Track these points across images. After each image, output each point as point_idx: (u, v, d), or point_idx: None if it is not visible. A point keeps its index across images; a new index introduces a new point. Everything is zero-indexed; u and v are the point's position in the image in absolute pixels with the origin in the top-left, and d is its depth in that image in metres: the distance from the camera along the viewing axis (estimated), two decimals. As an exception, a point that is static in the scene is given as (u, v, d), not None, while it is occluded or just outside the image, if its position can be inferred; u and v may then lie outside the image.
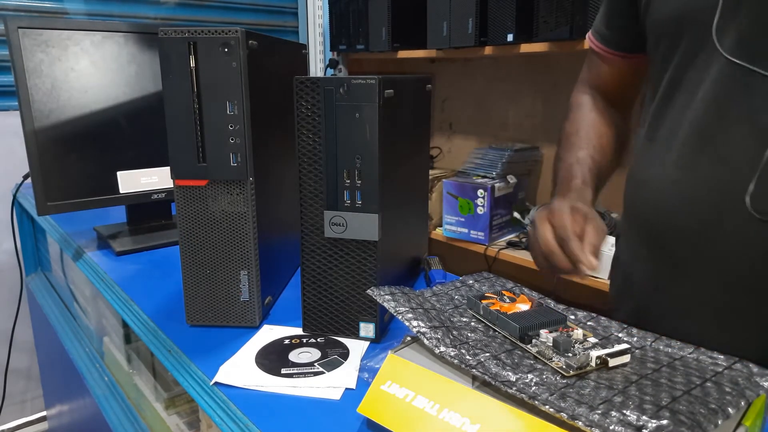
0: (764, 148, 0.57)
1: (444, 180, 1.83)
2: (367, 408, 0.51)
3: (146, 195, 1.08)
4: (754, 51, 0.58)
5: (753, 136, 0.58)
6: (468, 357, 0.51)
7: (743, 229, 0.60)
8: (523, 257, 1.62)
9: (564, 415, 0.42)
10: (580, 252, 0.61)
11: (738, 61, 0.58)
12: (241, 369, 0.63)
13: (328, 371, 0.63)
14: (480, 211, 1.70)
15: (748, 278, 0.62)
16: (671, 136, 0.66)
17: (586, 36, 0.83)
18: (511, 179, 1.75)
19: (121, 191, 1.05)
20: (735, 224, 0.61)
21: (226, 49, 0.65)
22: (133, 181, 1.06)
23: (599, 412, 0.42)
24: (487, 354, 0.51)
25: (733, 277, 0.63)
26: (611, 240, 1.38)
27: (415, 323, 0.55)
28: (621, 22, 0.76)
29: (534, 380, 0.47)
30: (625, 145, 0.83)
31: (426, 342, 0.53)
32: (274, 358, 0.66)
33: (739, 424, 0.45)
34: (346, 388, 0.60)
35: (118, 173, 1.05)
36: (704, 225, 0.63)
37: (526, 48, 1.55)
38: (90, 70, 1.00)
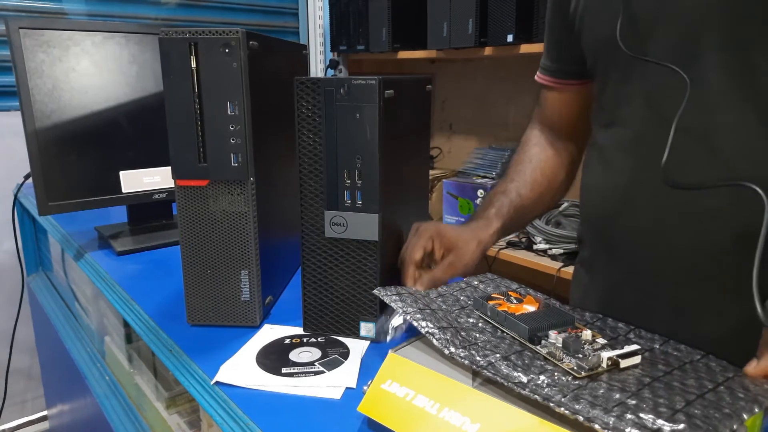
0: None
1: (444, 180, 1.83)
2: (367, 407, 0.51)
3: (147, 195, 1.09)
4: (654, 46, 0.62)
5: (668, 127, 0.60)
6: (478, 358, 0.51)
7: (663, 209, 0.64)
8: (524, 257, 1.62)
9: (580, 417, 0.42)
10: (408, 279, 0.69)
11: (652, 61, 0.61)
12: (241, 368, 0.63)
13: (329, 371, 0.63)
14: (480, 211, 1.70)
15: (684, 262, 0.65)
16: (611, 145, 0.71)
17: (535, 78, 0.86)
18: (511, 179, 1.75)
19: (123, 191, 1.06)
20: (656, 207, 0.65)
21: (226, 50, 0.65)
22: (136, 180, 1.07)
23: (614, 414, 0.42)
24: (497, 355, 0.51)
25: (669, 266, 0.66)
26: None
27: (423, 323, 0.55)
28: (564, 52, 0.79)
29: (546, 381, 0.47)
30: (572, 173, 0.87)
31: (436, 343, 0.53)
32: (274, 358, 0.66)
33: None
34: (347, 388, 0.60)
35: (121, 173, 1.05)
36: (635, 219, 0.68)
37: (526, 48, 1.55)
38: (91, 71, 1.00)
